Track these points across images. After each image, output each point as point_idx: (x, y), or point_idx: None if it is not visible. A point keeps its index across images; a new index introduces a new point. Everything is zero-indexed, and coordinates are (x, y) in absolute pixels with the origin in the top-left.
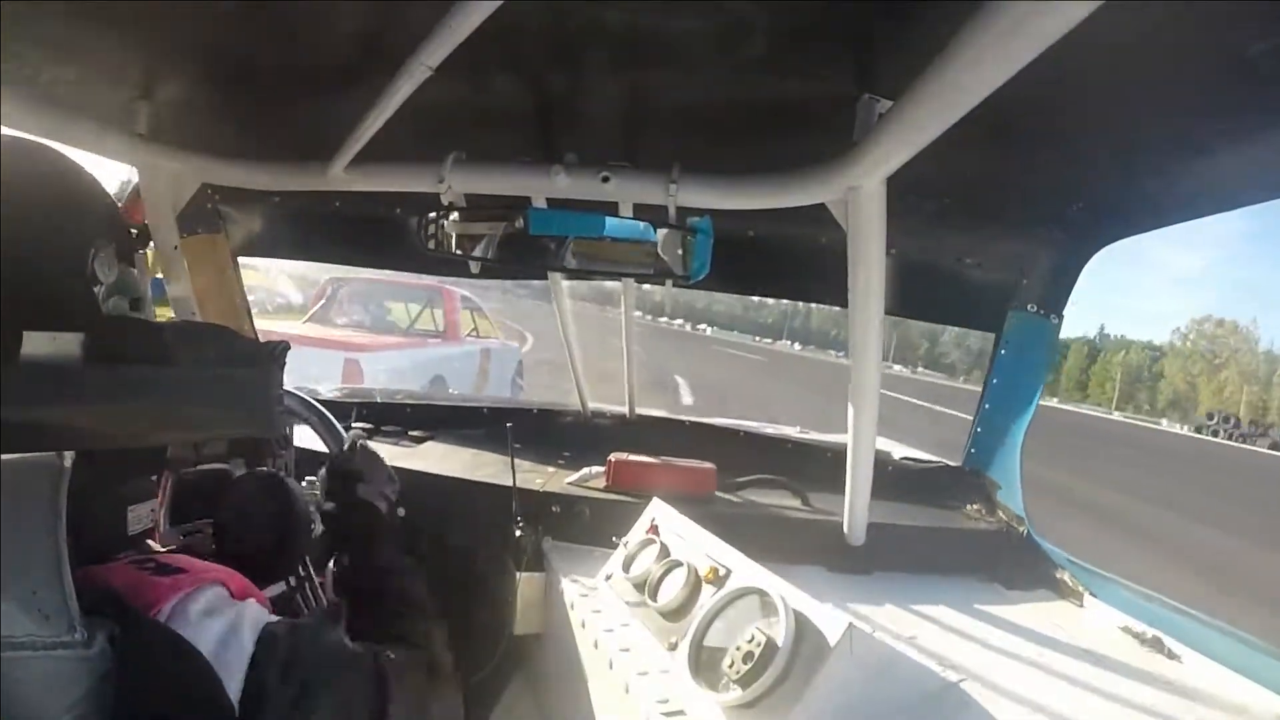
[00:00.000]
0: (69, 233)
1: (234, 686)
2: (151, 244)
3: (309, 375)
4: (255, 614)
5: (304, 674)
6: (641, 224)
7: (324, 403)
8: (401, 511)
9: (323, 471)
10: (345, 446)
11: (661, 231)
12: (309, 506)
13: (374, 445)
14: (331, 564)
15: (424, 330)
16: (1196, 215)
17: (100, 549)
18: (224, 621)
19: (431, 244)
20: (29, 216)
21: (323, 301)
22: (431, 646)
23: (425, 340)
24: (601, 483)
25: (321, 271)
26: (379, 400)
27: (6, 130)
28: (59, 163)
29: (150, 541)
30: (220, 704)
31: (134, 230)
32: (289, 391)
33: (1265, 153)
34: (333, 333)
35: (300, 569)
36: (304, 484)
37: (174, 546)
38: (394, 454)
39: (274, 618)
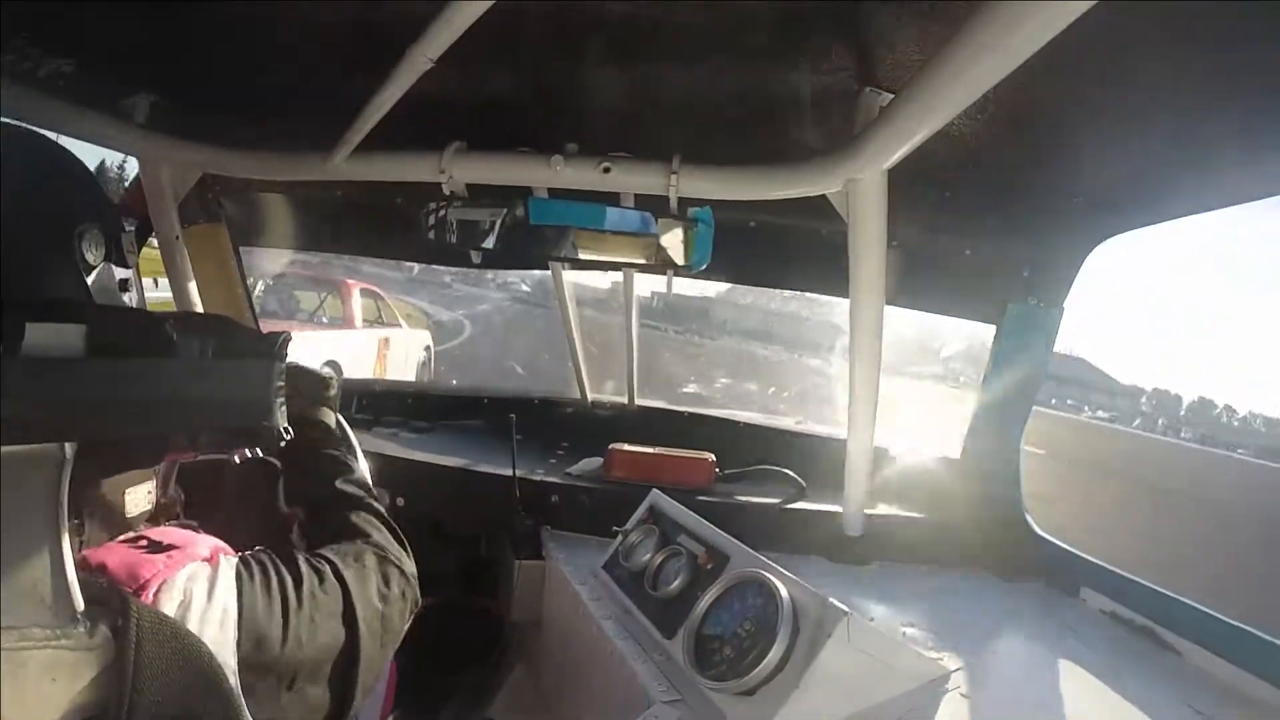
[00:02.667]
0: (53, 214)
1: (230, 632)
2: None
3: None
4: (225, 566)
5: (282, 589)
6: (642, 214)
7: None
8: (401, 501)
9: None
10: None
11: (662, 222)
12: None
13: (374, 435)
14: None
15: (329, 318)
16: (1198, 210)
17: (99, 535)
18: (204, 589)
19: (432, 234)
20: (11, 198)
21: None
22: (376, 535)
23: (325, 327)
24: (601, 472)
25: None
26: (379, 390)
27: (6, 120)
28: (40, 145)
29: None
30: (222, 690)
31: (125, 216)
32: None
33: (1266, 149)
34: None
35: None
36: None
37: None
38: (395, 445)
39: (235, 557)
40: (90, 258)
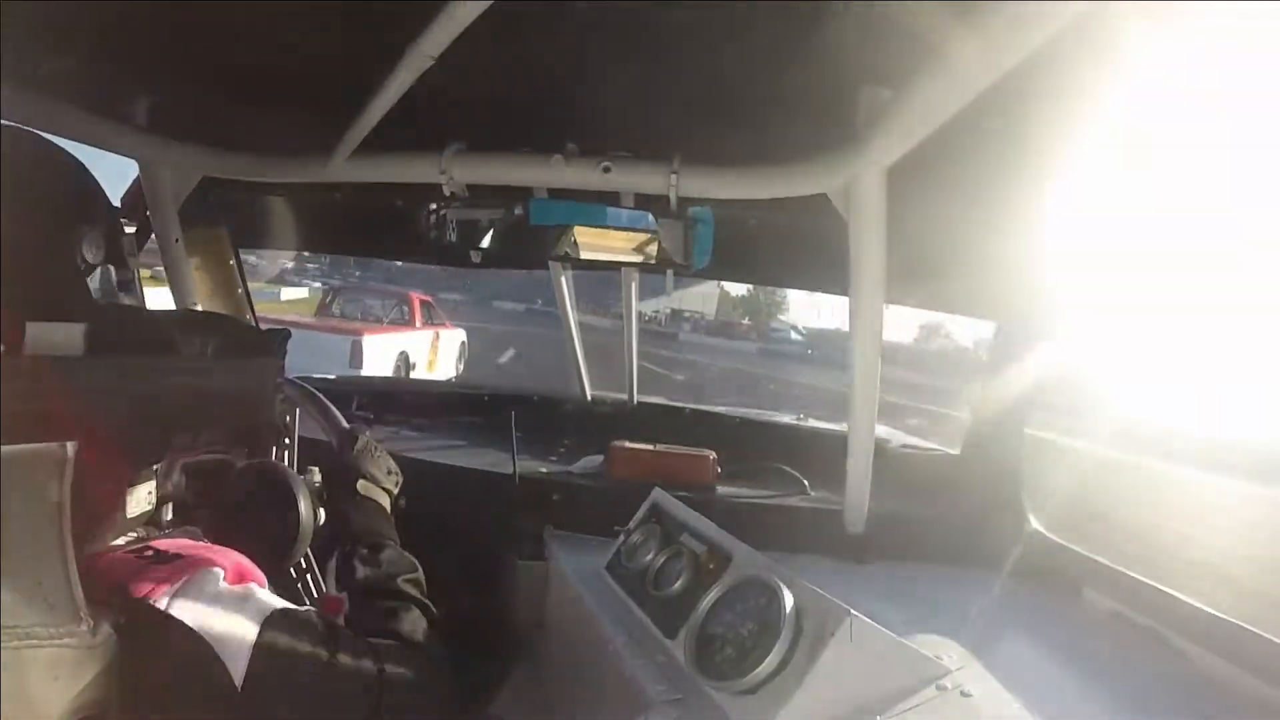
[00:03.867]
0: (53, 216)
1: (239, 668)
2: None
3: (329, 352)
4: (260, 600)
5: (306, 664)
6: (643, 214)
7: (325, 390)
8: (402, 502)
9: (325, 466)
10: (347, 440)
11: (663, 221)
12: (310, 497)
13: (374, 434)
14: (335, 558)
15: (395, 320)
16: None
17: (99, 533)
18: (224, 606)
19: (433, 234)
20: (13, 199)
21: (327, 302)
22: (429, 646)
23: (395, 327)
24: (602, 470)
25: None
26: (380, 388)
27: (5, 122)
28: (43, 146)
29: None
30: (223, 687)
31: (123, 219)
32: (289, 380)
33: (1268, 149)
34: (336, 323)
35: (303, 559)
36: (304, 475)
37: (172, 532)
38: (395, 442)
39: (278, 603)
40: (90, 258)
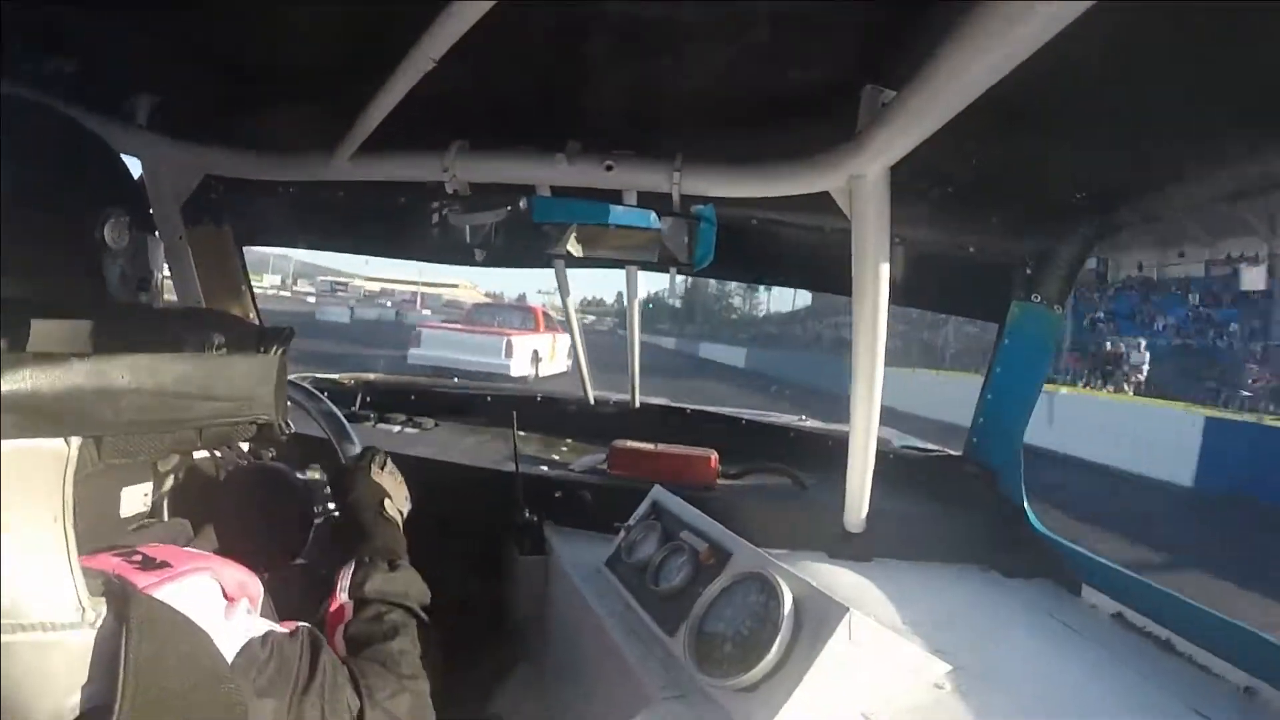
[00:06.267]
0: (80, 192)
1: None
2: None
3: (487, 348)
4: (241, 624)
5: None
6: (645, 212)
7: (330, 387)
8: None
9: (346, 479)
10: (372, 458)
11: (665, 219)
12: (309, 496)
13: (377, 432)
14: (351, 565)
15: (527, 326)
16: (1199, 205)
17: (91, 532)
18: (208, 618)
19: (436, 232)
20: (40, 173)
21: (471, 315)
22: (418, 680)
23: (528, 331)
24: (604, 469)
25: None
26: (383, 386)
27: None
28: (75, 128)
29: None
30: (224, 676)
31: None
32: (294, 383)
33: (1267, 143)
34: (485, 327)
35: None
36: (304, 473)
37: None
38: (398, 440)
39: (261, 629)
40: (112, 240)
